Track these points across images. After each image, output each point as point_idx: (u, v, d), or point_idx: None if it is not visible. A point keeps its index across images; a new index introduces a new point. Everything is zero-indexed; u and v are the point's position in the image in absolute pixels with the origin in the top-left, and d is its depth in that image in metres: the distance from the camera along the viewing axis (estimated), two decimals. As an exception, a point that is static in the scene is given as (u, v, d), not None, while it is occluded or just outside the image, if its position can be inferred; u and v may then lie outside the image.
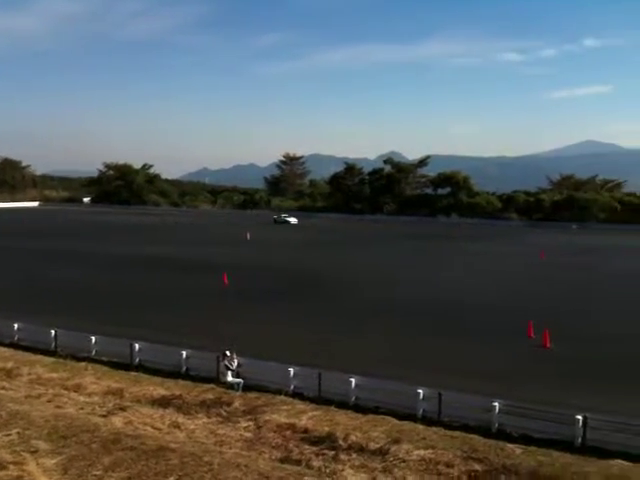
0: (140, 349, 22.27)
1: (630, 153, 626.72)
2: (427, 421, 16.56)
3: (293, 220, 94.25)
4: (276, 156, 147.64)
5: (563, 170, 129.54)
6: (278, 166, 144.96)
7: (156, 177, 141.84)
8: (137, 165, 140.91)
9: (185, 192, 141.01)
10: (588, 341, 25.58)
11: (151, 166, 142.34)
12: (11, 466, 12.01)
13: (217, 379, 19.80)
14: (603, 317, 30.62)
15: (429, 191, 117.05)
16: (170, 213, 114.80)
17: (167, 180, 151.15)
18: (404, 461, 13.36)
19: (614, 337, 26.36)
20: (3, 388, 18.83)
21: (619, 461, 14.00)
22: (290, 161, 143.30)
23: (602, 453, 14.58)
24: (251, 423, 15.81)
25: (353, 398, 18.20)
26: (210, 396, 17.98)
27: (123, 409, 16.68)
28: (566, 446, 15.03)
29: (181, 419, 16.13)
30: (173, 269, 44.56)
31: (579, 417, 15.43)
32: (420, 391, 17.25)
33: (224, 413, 16.64)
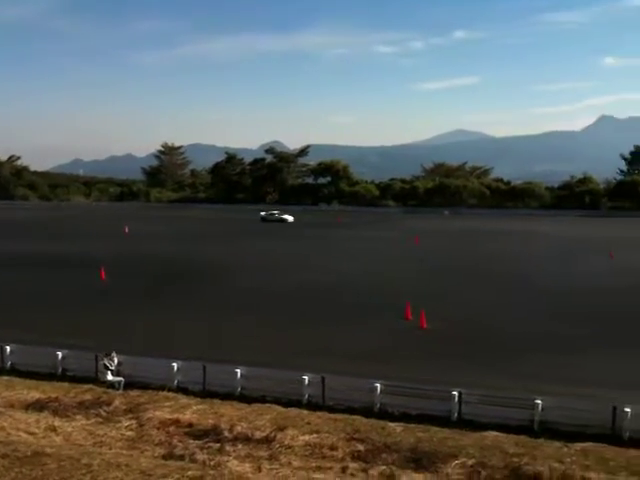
0: (12, 351, 21.03)
1: (496, 141, 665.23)
2: (312, 406, 16.83)
3: (290, 218, 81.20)
4: (155, 146, 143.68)
5: (436, 158, 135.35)
6: (157, 156, 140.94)
7: (24, 169, 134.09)
8: (2, 157, 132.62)
9: (57, 185, 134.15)
10: (461, 320, 26.93)
11: (18, 158, 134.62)
12: None
13: (96, 379, 19.10)
14: (475, 296, 32.27)
15: (310, 180, 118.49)
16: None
17: (36, 172, 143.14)
18: (289, 447, 13.52)
19: (484, 316, 27.92)
20: None
21: (492, 432, 14.88)
22: (169, 151, 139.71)
23: (477, 426, 15.44)
24: (133, 421, 15.38)
25: (239, 389, 18.16)
26: (89, 397, 17.33)
27: (-7, 416, 15.71)
28: (444, 421, 15.79)
29: (58, 422, 15.41)
30: (47, 266, 42.32)
31: (455, 393, 16.25)
32: (305, 377, 17.50)
33: (104, 413, 16.08)
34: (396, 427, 15.08)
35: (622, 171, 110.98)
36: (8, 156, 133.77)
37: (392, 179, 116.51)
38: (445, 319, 26.88)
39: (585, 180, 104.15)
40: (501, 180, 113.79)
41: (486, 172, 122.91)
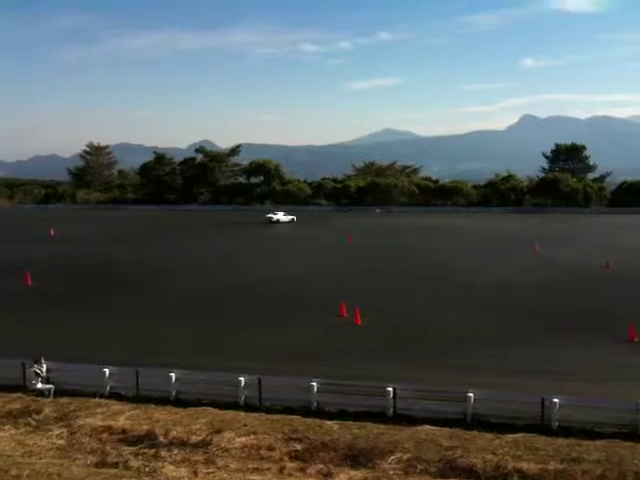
0: None
1: (424, 140, 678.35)
2: (250, 408, 16.78)
3: (287, 218, 79.24)
4: (80, 146, 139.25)
5: (366, 157, 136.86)
6: (82, 156, 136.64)
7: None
8: None
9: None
10: (394, 316, 27.40)
11: None
12: None
13: (25, 387, 18.44)
14: (407, 293, 32.86)
15: (242, 180, 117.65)
16: None
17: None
18: (226, 450, 13.45)
19: (416, 311, 28.48)
20: None
21: (426, 426, 15.22)
22: (95, 151, 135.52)
23: (412, 420, 15.75)
24: (64, 430, 14.95)
25: (174, 393, 17.93)
26: (17, 405, 16.74)
27: None
28: (380, 417, 16.06)
29: (-17, 434, 14.82)
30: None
31: (389, 389, 16.52)
32: (241, 379, 17.41)
33: (33, 422, 15.58)
34: (333, 425, 15.22)
35: (544, 169, 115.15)
36: None
37: (324, 178, 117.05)
38: (379, 315, 27.28)
39: (509, 178, 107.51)
40: (430, 179, 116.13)
41: (415, 171, 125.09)
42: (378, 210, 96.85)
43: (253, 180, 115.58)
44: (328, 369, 19.21)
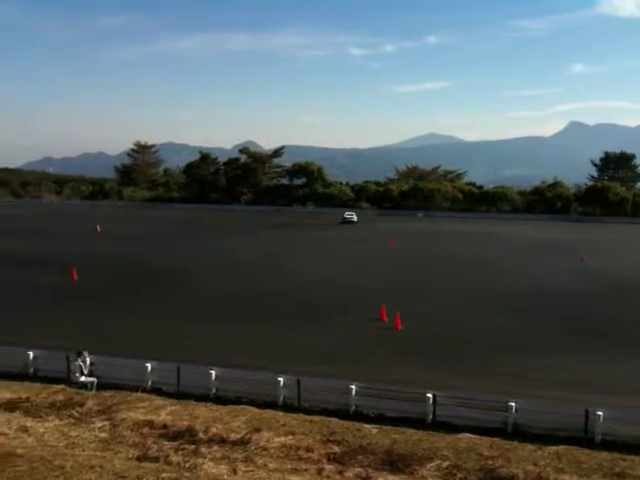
0: (-20, 352, 20.63)
1: (468, 145, 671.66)
2: (288, 408, 16.81)
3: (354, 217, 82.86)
4: (127, 144, 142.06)
5: (409, 161, 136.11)
6: (129, 155, 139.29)
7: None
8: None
9: (27, 182, 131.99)
10: (435, 321, 27.13)
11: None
12: None
13: (68, 379, 18.82)
14: (449, 298, 32.49)
15: (285, 181, 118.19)
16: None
17: (6, 169, 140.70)
18: (265, 449, 13.45)
19: (459, 317, 28.14)
20: None
21: (466, 435, 14.99)
22: (142, 150, 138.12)
23: (451, 428, 15.55)
24: (106, 422, 15.16)
25: (214, 390, 18.07)
26: (61, 397, 17.04)
27: (-37, 417, 15.38)
28: (419, 423, 15.89)
29: (30, 423, 15.13)
30: (19, 265, 41.63)
31: (429, 395, 16.35)
32: (280, 379, 17.46)
33: (76, 414, 15.83)
34: (371, 429, 15.11)
35: (592, 177, 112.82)
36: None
37: (366, 181, 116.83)
38: (419, 320, 27.06)
39: (556, 185, 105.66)
40: (473, 184, 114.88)
41: (459, 176, 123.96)
42: (420, 214, 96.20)
43: (295, 182, 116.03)
44: (366, 373, 19.13)
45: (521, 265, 45.07)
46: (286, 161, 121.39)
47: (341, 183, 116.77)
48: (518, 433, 15.44)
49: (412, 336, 24.80)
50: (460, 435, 15.00)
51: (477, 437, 14.91)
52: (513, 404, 15.81)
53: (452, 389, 17.00)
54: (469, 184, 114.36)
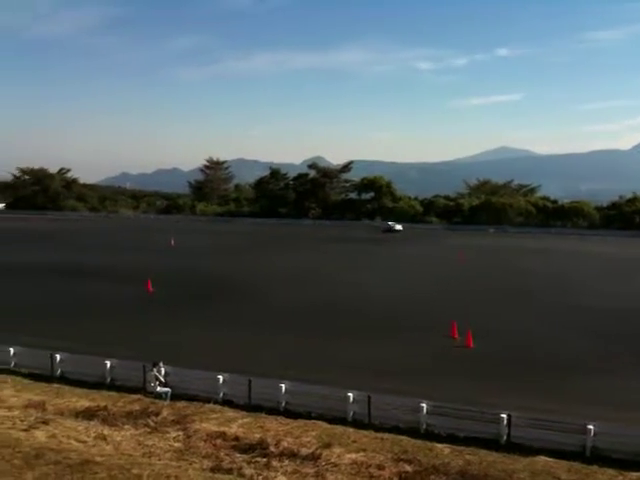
0: (62, 360, 21.47)
1: (542, 158, 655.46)
2: (358, 424, 16.70)
3: (400, 227, 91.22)
4: (200, 161, 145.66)
5: (480, 175, 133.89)
6: (202, 171, 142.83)
7: (74, 182, 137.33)
8: (53, 170, 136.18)
9: (105, 197, 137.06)
10: (507, 340, 26.46)
11: (68, 170, 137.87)
12: None
13: (144, 389, 19.32)
14: (520, 316, 31.66)
15: (353, 196, 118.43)
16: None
17: (85, 185, 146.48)
18: (336, 465, 13.41)
19: (531, 336, 27.36)
20: None
21: (543, 457, 14.52)
22: (214, 166, 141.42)
23: (526, 450, 15.08)
24: (180, 433, 15.49)
25: (283, 404, 18.15)
26: (137, 407, 17.53)
27: (46, 422, 16.01)
28: (492, 444, 15.47)
29: (107, 431, 15.62)
30: (97, 276, 43.21)
31: (504, 415, 15.92)
32: (350, 394, 17.39)
33: (152, 423, 16.24)
34: (444, 448, 14.85)
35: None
36: (58, 169, 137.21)
37: (436, 196, 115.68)
38: (492, 338, 26.47)
39: (635, 200, 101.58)
40: (547, 198, 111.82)
41: (532, 190, 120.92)
42: (492, 230, 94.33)
43: (364, 196, 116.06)
44: (437, 391, 18.81)
45: (598, 283, 43.49)
46: (354, 176, 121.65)
47: (410, 197, 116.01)
48: (597, 457, 14.83)
49: (484, 354, 24.27)
50: (536, 458, 14.56)
51: (554, 460, 14.43)
52: (592, 427, 15.21)
53: (526, 410, 16.47)
54: (543, 198, 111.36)
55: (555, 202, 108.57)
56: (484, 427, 16.05)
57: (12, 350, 22.20)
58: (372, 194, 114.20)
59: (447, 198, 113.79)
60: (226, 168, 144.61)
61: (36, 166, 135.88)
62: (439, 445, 15.10)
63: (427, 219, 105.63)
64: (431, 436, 16.00)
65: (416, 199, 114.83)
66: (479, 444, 15.41)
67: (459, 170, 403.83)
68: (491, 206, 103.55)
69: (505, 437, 15.85)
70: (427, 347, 25.30)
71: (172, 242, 67.09)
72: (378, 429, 16.31)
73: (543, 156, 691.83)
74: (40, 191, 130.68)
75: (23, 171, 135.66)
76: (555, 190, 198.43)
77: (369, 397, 17.17)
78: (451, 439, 15.82)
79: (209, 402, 18.18)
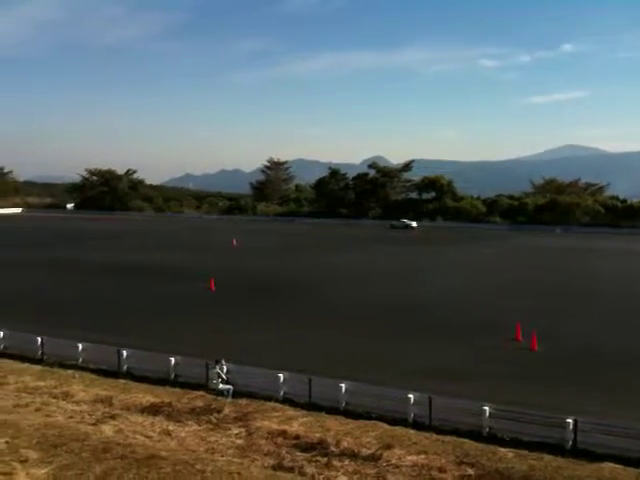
0: (128, 356, 22.10)
1: (612, 157, 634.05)
2: (418, 426, 16.55)
3: (414, 223, 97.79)
4: (261, 161, 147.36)
5: (544, 174, 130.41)
6: (263, 171, 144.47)
7: (140, 183, 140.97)
8: (121, 171, 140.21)
9: (169, 197, 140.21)
10: (574, 343, 25.75)
11: (135, 172, 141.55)
12: (0, 476, 11.84)
13: (206, 386, 19.67)
14: (588, 319, 30.75)
15: (414, 195, 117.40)
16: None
17: (151, 186, 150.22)
18: (397, 467, 13.33)
19: (598, 339, 26.54)
20: (-10, 397, 18.58)
21: (610, 464, 14.07)
22: (275, 166, 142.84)
23: (593, 456, 14.64)
24: (242, 430, 15.70)
25: (343, 404, 18.17)
26: (200, 403, 17.86)
27: (112, 417, 16.51)
28: (557, 449, 15.09)
29: (172, 426, 15.98)
30: (162, 275, 44.30)
31: (569, 420, 15.50)
32: (410, 396, 17.26)
33: (214, 420, 16.52)
34: (507, 453, 14.56)
35: None
36: (125, 170, 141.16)
37: (499, 195, 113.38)
38: (557, 341, 25.81)
39: None
40: (617, 198, 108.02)
41: (601, 189, 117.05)
42: (558, 230, 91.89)
43: (425, 196, 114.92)
44: (500, 394, 18.45)
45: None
46: (415, 175, 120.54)
47: (472, 197, 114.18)
48: (668, 466, 14.26)
49: (549, 358, 23.68)
50: (603, 464, 14.11)
51: (621, 467, 13.97)
52: (663, 434, 14.64)
53: (592, 415, 16.00)
54: (612, 198, 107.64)
55: (624, 201, 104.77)
56: (549, 432, 15.67)
57: (80, 346, 22.98)
58: (433, 194, 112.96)
59: (511, 197, 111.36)
60: (286, 169, 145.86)
61: (104, 167, 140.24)
62: (502, 449, 14.82)
63: (490, 219, 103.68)
64: (494, 440, 15.71)
65: (478, 198, 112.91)
66: (543, 449, 15.05)
67: (523, 169, 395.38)
68: (557, 206, 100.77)
69: (570, 442, 15.43)
70: (490, 349, 24.85)
71: (234, 242, 68.07)
72: (439, 431, 16.12)
73: (613, 154, 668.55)
74: (108, 192, 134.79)
75: (91, 172, 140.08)
76: (626, 189, 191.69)
77: (430, 399, 17.00)
78: (514, 443, 15.49)
79: (270, 400, 18.35)
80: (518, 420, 16.10)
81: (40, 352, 23.56)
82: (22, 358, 23.38)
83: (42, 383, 20.11)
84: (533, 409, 16.39)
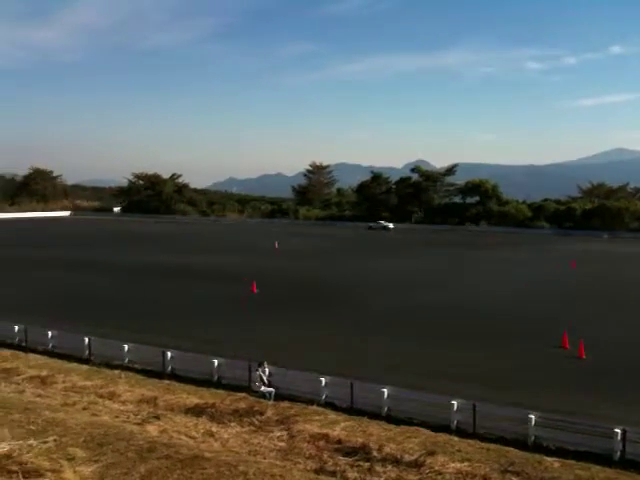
0: (172, 357, 22.40)
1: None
2: (462, 433, 16.34)
3: (391, 225, 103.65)
4: (303, 165, 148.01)
5: (592, 178, 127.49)
6: (305, 175, 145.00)
7: (185, 186, 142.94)
8: (166, 175, 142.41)
9: (213, 201, 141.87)
10: (622, 352, 25.11)
11: (179, 176, 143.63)
12: (48, 473, 12.07)
13: (249, 388, 19.80)
14: (635, 329, 29.96)
15: (457, 199, 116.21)
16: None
17: (195, 189, 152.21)
18: (440, 473, 13.17)
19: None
20: (39, 396, 19.04)
21: (660, 476, 13.66)
22: (317, 170, 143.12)
23: (641, 467, 14.25)
24: (284, 433, 15.73)
25: (385, 409, 18.06)
26: (243, 405, 17.96)
27: (157, 417, 16.73)
28: (604, 460, 14.70)
29: (215, 428, 16.11)
30: (206, 277, 44.82)
31: (618, 430, 15.10)
32: (454, 402, 17.05)
33: (257, 422, 16.60)
34: (553, 462, 14.23)
35: None
36: (170, 174, 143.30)
37: (545, 199, 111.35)
38: (605, 349, 25.20)
39: None
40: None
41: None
42: (606, 235, 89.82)
43: (468, 200, 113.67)
44: (546, 402, 18.09)
45: None
46: (458, 179, 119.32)
47: (517, 201, 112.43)
48: None
49: (597, 365, 23.13)
50: (655, 477, 13.69)
51: (674, 481, 13.52)
52: None
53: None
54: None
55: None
56: (596, 441, 15.28)
57: (126, 347, 23.40)
58: (477, 198, 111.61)
59: (558, 202, 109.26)
60: (328, 172, 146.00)
61: (150, 172, 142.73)
62: (548, 458, 14.49)
63: (537, 224, 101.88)
64: (539, 449, 15.39)
65: (524, 203, 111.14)
66: (590, 459, 14.68)
67: (570, 173, 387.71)
68: (605, 211, 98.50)
69: (619, 453, 15.01)
70: (536, 356, 24.42)
71: (276, 245, 68.46)
72: (483, 439, 15.86)
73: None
74: (153, 195, 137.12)
75: (138, 177, 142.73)
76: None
77: (474, 405, 16.76)
78: (561, 453, 15.14)
79: (312, 403, 18.35)
80: (565, 429, 15.75)
81: (87, 352, 24.07)
82: (70, 357, 23.93)
83: (89, 382, 20.52)
84: (580, 418, 16.03)
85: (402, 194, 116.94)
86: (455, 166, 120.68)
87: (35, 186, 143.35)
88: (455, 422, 16.99)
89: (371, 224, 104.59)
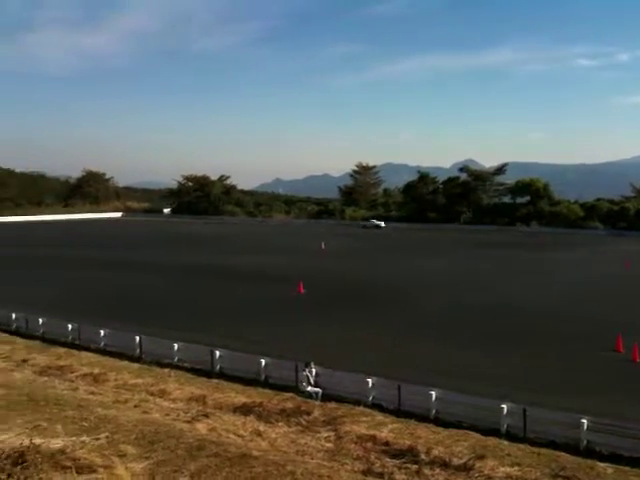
0: (220, 356, 22.67)
1: None
2: (511, 437, 16.05)
3: (382, 223, 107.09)
4: (349, 166, 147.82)
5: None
6: (351, 176, 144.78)
7: (232, 188, 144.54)
8: (214, 176, 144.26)
9: (260, 202, 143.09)
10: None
11: (227, 177, 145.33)
12: (101, 469, 12.33)
13: (296, 388, 19.88)
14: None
15: (507, 199, 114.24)
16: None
17: (242, 191, 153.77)
18: (490, 478, 12.96)
19: None
20: (92, 393, 19.51)
21: None
22: (363, 171, 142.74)
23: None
24: (331, 433, 15.73)
25: (433, 411, 17.89)
26: (290, 405, 18.04)
27: (206, 415, 16.94)
28: (661, 467, 14.27)
29: (262, 427, 16.22)
30: (253, 278, 45.23)
31: (675, 437, 14.63)
32: (504, 406, 16.77)
33: (304, 422, 16.64)
34: (606, 468, 13.87)
35: None
36: (219, 176, 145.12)
37: (598, 199, 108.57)
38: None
39: None
40: None
41: None
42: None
43: (519, 200, 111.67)
44: (599, 407, 17.62)
45: None
46: (509, 178, 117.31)
47: (569, 201, 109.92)
48: None
49: (653, 370, 22.43)
50: None
51: None
52: None
53: None
54: None
55: None
56: (652, 448, 14.83)
57: (176, 345, 23.78)
58: (528, 198, 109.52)
59: (611, 202, 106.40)
60: (375, 173, 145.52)
61: (199, 174, 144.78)
62: (601, 464, 14.13)
63: (589, 224, 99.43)
64: (592, 454, 15.01)
65: (576, 202, 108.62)
66: (645, 466, 14.25)
67: (623, 171, 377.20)
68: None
69: (677, 461, 14.54)
70: (590, 360, 23.83)
71: (323, 246, 68.58)
72: (533, 443, 15.55)
73: None
74: (202, 197, 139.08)
75: (187, 178, 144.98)
76: None
77: (524, 410, 16.46)
78: (614, 458, 14.73)
79: (358, 404, 18.30)
80: (619, 434, 15.33)
81: (138, 350, 24.57)
82: (121, 356, 24.47)
83: (140, 380, 20.93)
84: (635, 422, 15.57)
85: (450, 194, 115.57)
86: (505, 165, 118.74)
87: (88, 188, 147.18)
88: (505, 426, 16.70)
89: (364, 223, 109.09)
